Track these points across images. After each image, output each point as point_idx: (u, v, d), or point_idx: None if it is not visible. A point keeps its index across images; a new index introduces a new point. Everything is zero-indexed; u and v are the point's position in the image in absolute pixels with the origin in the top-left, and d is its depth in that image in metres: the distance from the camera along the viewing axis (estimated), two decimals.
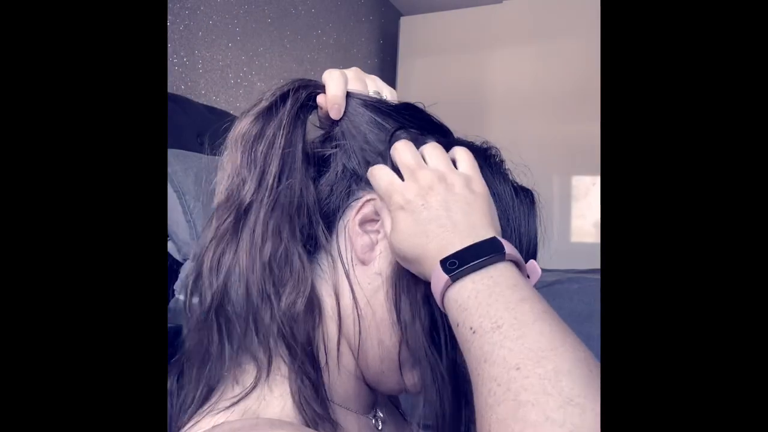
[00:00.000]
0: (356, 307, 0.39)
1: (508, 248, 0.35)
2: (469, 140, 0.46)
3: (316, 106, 0.43)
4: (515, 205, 0.43)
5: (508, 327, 0.31)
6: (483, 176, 0.41)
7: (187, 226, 1.53)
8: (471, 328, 0.32)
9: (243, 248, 0.38)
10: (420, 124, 0.44)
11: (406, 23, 3.25)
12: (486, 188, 0.40)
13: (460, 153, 0.41)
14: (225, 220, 0.38)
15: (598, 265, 0.35)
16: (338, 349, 0.39)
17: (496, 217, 0.39)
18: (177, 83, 1.93)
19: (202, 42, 2.06)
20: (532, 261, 0.39)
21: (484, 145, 0.46)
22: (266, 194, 0.38)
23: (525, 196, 0.44)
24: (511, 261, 0.35)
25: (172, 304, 1.55)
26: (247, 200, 0.38)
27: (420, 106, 0.45)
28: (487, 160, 0.44)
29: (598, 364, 0.30)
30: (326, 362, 0.38)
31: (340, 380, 0.39)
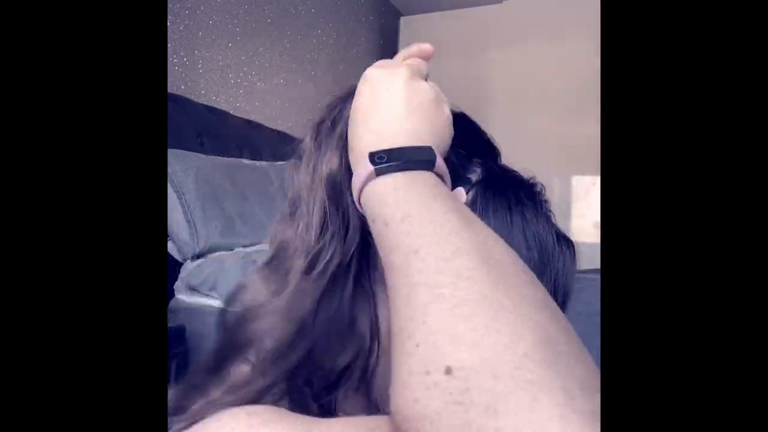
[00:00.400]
0: (375, 341, 0.41)
1: (439, 161, 0.35)
2: (514, 170, 0.45)
3: None
4: (555, 253, 0.42)
5: (417, 216, 0.30)
6: (525, 213, 0.41)
7: (187, 226, 1.53)
8: (384, 221, 0.31)
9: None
10: (470, 145, 0.43)
11: (406, 23, 3.26)
12: (450, 116, 0.39)
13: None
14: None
15: (598, 265, 0.35)
16: None
17: (446, 139, 0.38)
18: (177, 83, 1.93)
19: (202, 42, 2.06)
20: (459, 188, 0.39)
21: (531, 180, 0.45)
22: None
23: (567, 245, 0.43)
24: (438, 174, 0.34)
25: (172, 304, 1.55)
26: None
27: (475, 120, 0.44)
28: (532, 198, 0.43)
29: (502, 248, 0.29)
30: None
31: None
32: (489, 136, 0.45)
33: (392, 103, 0.36)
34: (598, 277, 0.35)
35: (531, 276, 0.29)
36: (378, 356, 0.37)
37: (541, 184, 0.45)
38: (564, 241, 0.43)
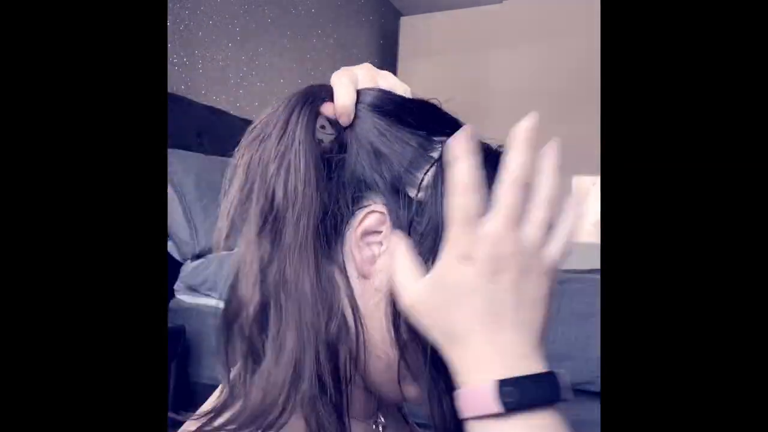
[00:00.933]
0: (358, 322, 0.38)
1: (563, 386, 0.30)
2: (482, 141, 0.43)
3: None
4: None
5: None
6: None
7: (187, 226, 1.53)
8: None
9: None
10: (431, 126, 0.40)
11: (406, 23, 3.25)
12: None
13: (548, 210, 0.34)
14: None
15: (598, 265, 0.35)
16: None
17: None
18: (177, 83, 1.93)
19: (202, 42, 2.06)
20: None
21: (499, 149, 0.40)
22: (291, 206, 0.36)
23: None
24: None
25: (172, 304, 1.55)
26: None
27: (435, 102, 0.41)
28: (496, 166, 0.38)
29: None
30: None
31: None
32: (453, 117, 0.41)
33: (506, 295, 0.31)
34: (598, 277, 0.35)
35: None
36: (364, 341, 0.37)
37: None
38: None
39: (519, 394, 0.29)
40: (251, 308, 0.34)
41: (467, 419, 0.31)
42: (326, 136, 0.40)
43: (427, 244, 0.36)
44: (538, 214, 0.33)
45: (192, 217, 1.54)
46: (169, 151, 1.53)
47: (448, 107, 0.42)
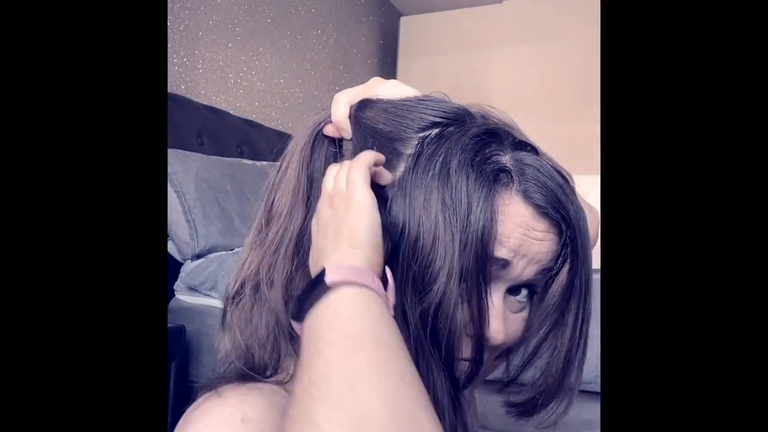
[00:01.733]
0: None
1: (332, 275, 0.34)
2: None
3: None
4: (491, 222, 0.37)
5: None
6: (453, 185, 0.37)
7: (187, 226, 1.53)
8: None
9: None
10: (410, 122, 0.41)
11: (406, 23, 3.26)
12: (362, 198, 0.37)
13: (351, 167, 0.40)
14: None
15: (598, 265, 0.35)
16: None
17: (366, 228, 0.37)
18: (177, 83, 1.93)
19: (202, 42, 2.06)
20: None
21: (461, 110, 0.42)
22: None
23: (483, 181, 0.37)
24: (346, 284, 0.34)
25: (172, 304, 1.55)
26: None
27: (431, 96, 0.43)
28: (469, 164, 0.38)
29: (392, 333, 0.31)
30: None
31: None
32: (447, 107, 0.43)
33: (323, 230, 0.38)
34: (598, 277, 0.35)
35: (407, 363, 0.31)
36: None
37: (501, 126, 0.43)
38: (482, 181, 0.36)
39: (300, 300, 0.34)
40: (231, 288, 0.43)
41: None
42: (332, 152, 0.46)
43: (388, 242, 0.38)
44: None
45: (192, 217, 1.54)
46: (169, 151, 1.53)
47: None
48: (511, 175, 0.37)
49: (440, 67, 2.99)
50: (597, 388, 1.14)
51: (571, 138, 2.85)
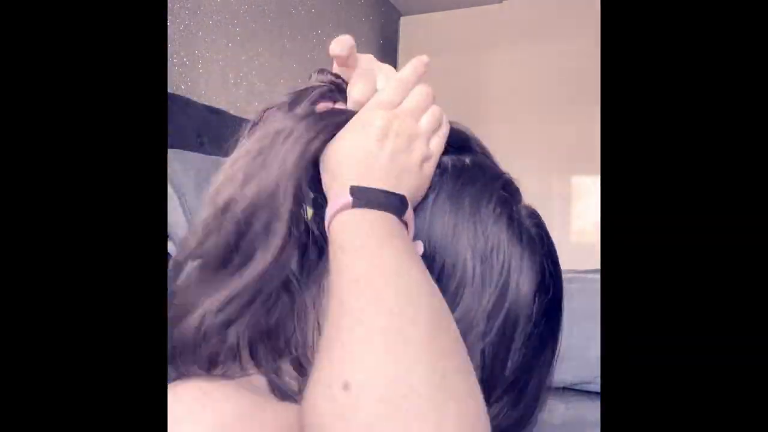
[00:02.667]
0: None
1: (409, 210, 0.37)
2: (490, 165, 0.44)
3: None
4: (519, 258, 0.41)
5: (369, 248, 0.33)
6: (483, 214, 0.40)
7: (187, 226, 1.52)
8: (341, 247, 0.34)
9: None
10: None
11: (406, 23, 3.26)
12: (429, 175, 0.40)
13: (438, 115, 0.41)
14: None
15: (598, 265, 0.35)
16: None
17: (420, 195, 0.40)
18: (177, 83, 1.93)
19: (202, 42, 2.05)
20: (418, 240, 0.40)
21: (508, 179, 0.44)
22: None
23: (530, 247, 0.41)
24: (404, 222, 0.37)
25: None
26: None
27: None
28: (494, 194, 0.42)
29: (431, 291, 0.32)
30: None
31: None
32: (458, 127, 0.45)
33: (382, 153, 0.38)
34: (598, 277, 0.35)
35: (449, 320, 0.32)
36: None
37: (514, 181, 0.44)
38: (528, 247, 0.41)
39: (365, 194, 0.36)
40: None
41: (330, 220, 0.36)
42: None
43: None
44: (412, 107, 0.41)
45: (192, 217, 1.54)
46: (169, 151, 1.53)
47: (448, 107, 0.43)
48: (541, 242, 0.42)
49: (440, 67, 2.99)
50: (597, 388, 1.14)
51: (571, 138, 2.85)
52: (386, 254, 0.32)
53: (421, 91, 0.41)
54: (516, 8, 3.08)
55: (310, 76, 0.44)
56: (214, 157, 1.71)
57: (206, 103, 1.96)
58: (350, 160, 0.38)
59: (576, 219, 2.96)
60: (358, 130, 0.39)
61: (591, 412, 1.08)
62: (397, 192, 0.37)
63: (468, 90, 2.81)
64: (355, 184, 0.36)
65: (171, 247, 1.58)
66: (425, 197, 0.41)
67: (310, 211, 0.40)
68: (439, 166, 0.42)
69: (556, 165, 2.92)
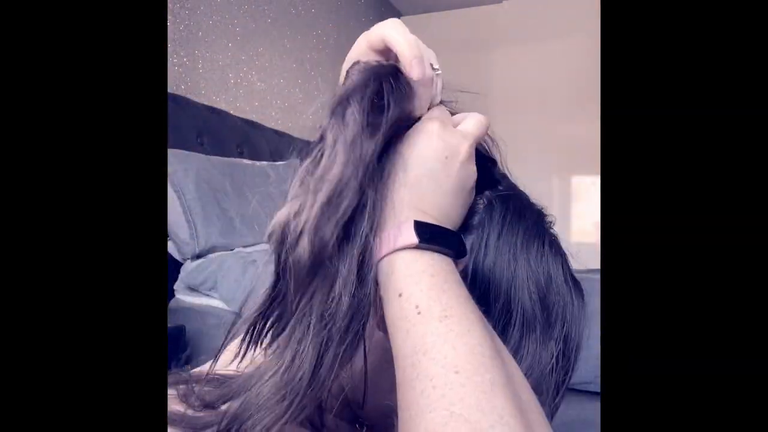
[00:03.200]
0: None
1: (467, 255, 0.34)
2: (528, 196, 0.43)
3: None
4: (572, 298, 0.39)
5: (457, 320, 0.29)
6: (536, 251, 0.38)
7: (187, 226, 1.53)
8: (417, 307, 0.30)
9: None
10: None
11: (406, 23, 3.25)
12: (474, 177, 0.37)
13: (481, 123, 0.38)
14: None
15: (598, 265, 0.35)
16: None
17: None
18: (177, 83, 1.93)
19: (202, 42, 2.06)
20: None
21: (543, 210, 0.42)
22: None
23: (578, 289, 0.39)
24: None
25: (172, 304, 1.55)
26: None
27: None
28: (541, 229, 0.40)
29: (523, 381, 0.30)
30: None
31: None
32: (490, 151, 0.42)
33: (450, 181, 0.35)
34: (598, 277, 0.35)
35: (520, 375, 0.30)
36: (365, 392, 0.37)
37: (552, 216, 0.42)
38: (576, 288, 0.39)
39: (430, 234, 0.32)
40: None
41: (383, 257, 0.32)
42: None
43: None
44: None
45: (192, 217, 1.54)
46: (169, 151, 1.53)
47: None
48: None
49: (440, 67, 2.99)
50: (597, 388, 1.14)
51: (571, 138, 2.85)
52: (456, 314, 0.29)
53: (484, 123, 0.39)
54: (516, 8, 3.08)
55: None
56: (214, 157, 1.71)
57: (206, 103, 1.96)
58: (417, 185, 0.34)
59: (576, 219, 2.96)
60: (441, 158, 0.35)
61: (591, 412, 1.08)
62: (453, 227, 0.35)
63: (468, 90, 2.80)
64: (420, 217, 0.33)
65: (171, 247, 1.59)
66: (470, 231, 0.38)
67: None
68: (482, 196, 0.39)
69: (556, 165, 2.93)
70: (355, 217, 0.31)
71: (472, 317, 0.30)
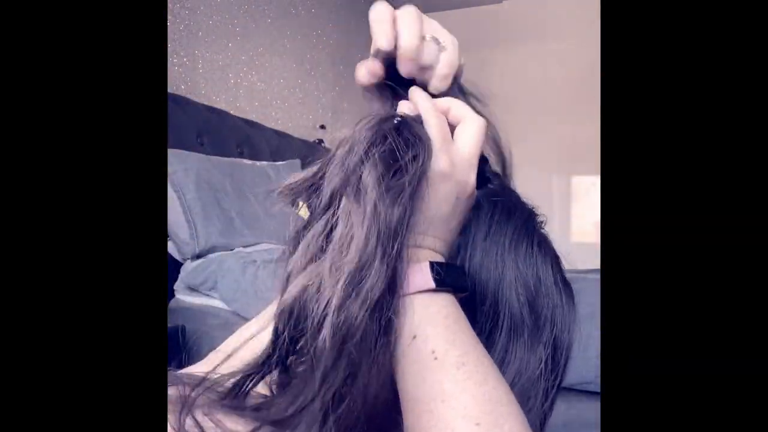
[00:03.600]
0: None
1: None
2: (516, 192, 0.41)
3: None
4: (561, 301, 0.38)
5: (473, 367, 0.29)
6: (525, 251, 0.37)
7: (187, 226, 1.53)
8: (433, 352, 0.29)
9: None
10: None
11: None
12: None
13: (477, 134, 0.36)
14: None
15: (598, 265, 0.35)
16: None
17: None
18: (177, 83, 1.93)
19: (202, 42, 2.06)
20: None
21: (534, 209, 0.41)
22: None
23: (568, 292, 0.38)
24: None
25: (172, 304, 1.55)
26: None
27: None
28: (531, 229, 0.39)
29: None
30: None
31: None
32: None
33: (457, 217, 0.35)
34: (598, 277, 0.35)
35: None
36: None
37: (544, 216, 0.41)
38: (566, 290, 0.38)
39: (444, 275, 0.32)
40: None
41: (408, 294, 0.31)
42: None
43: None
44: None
45: (192, 217, 1.54)
46: (169, 151, 1.53)
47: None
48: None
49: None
50: (597, 388, 1.14)
51: (571, 138, 2.85)
52: (472, 360, 0.29)
53: (483, 132, 0.37)
54: (516, 8, 3.08)
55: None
56: (214, 157, 1.71)
57: (206, 103, 1.96)
58: (434, 228, 0.34)
59: (576, 219, 2.96)
60: (452, 200, 0.34)
61: (591, 412, 1.08)
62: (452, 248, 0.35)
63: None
64: (431, 257, 0.33)
65: (171, 247, 1.59)
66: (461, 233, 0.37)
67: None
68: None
69: (556, 165, 2.93)
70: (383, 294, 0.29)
71: (486, 362, 0.30)
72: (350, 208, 0.30)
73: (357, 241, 0.29)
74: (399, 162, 0.31)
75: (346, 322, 0.28)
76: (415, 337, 0.30)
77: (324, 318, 0.29)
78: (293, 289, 0.31)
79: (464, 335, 0.30)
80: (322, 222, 0.32)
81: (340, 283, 0.29)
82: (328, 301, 0.29)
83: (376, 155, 0.31)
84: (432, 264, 0.32)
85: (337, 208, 0.31)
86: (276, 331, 0.31)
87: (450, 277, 0.32)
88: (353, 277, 0.29)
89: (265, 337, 0.33)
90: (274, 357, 0.32)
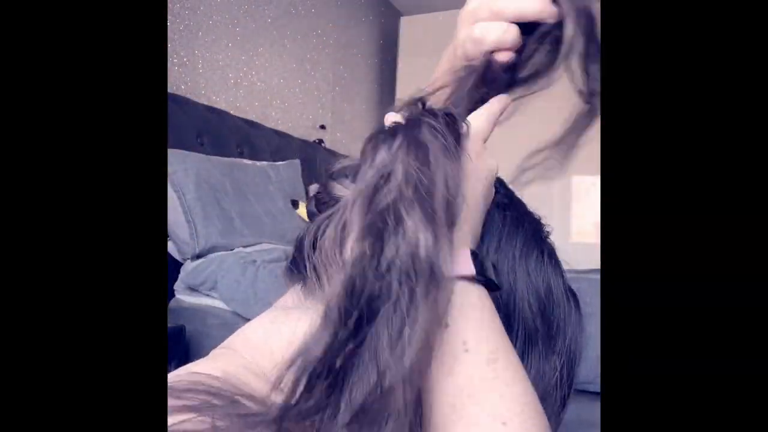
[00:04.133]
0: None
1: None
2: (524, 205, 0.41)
3: None
4: (566, 315, 0.38)
5: (503, 365, 0.28)
6: (535, 262, 0.37)
7: (187, 226, 1.53)
8: (464, 343, 0.28)
9: None
10: None
11: (406, 23, 3.26)
12: None
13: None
14: None
15: (598, 265, 0.35)
16: None
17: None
18: (177, 83, 1.93)
19: (202, 42, 2.06)
20: None
21: (541, 219, 0.41)
22: None
23: (576, 304, 0.39)
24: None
25: (172, 304, 1.55)
26: None
27: None
28: (540, 239, 0.39)
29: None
30: None
31: None
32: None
33: (486, 204, 0.35)
34: (598, 277, 0.35)
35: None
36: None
37: (550, 226, 0.41)
38: (573, 299, 0.38)
39: (482, 266, 0.31)
40: None
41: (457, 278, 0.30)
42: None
43: None
44: None
45: (192, 217, 1.54)
46: (169, 151, 1.53)
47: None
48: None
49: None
50: (597, 388, 1.14)
51: None
52: (503, 358, 0.29)
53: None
54: None
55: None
56: (214, 157, 1.71)
57: (206, 103, 1.96)
58: (476, 211, 0.34)
59: (576, 219, 2.96)
60: (488, 186, 0.35)
61: (591, 412, 1.08)
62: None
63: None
64: (470, 245, 0.32)
65: (171, 247, 1.59)
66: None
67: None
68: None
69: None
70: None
71: (515, 361, 0.29)
72: (409, 158, 0.29)
73: (428, 183, 0.28)
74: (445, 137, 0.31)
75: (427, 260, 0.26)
76: (447, 325, 0.28)
77: (413, 257, 0.26)
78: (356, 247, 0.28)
79: (496, 331, 0.30)
80: (373, 173, 0.30)
81: (420, 218, 0.27)
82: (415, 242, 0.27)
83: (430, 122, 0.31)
84: (473, 253, 0.31)
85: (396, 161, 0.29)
86: (337, 310, 0.27)
87: (487, 270, 0.32)
88: (428, 213, 0.27)
89: (287, 334, 0.31)
90: (339, 339, 0.27)
